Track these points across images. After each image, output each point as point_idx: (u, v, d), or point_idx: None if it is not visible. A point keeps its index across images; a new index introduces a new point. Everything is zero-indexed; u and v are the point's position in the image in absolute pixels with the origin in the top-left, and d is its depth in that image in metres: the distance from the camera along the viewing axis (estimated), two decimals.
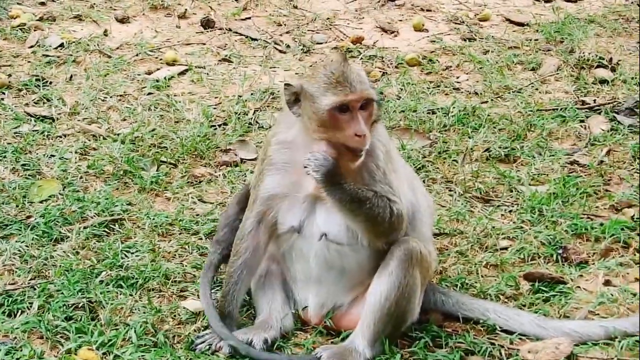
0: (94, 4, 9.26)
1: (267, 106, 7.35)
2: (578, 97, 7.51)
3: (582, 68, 8.01)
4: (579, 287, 5.18)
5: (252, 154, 6.56)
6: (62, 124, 6.96)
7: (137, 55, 8.21)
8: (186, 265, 5.30)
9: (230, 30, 8.85)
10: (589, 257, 5.44)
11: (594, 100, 7.43)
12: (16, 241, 5.46)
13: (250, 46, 8.57)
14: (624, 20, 9.23)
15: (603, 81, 7.77)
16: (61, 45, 8.27)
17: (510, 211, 5.93)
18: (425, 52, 8.47)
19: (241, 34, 8.78)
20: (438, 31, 9.00)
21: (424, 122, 7.02)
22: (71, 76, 7.72)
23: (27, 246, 5.41)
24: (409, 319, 4.69)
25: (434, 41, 8.74)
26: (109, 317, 4.78)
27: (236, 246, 4.76)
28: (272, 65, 8.17)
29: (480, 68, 8.09)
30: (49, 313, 4.79)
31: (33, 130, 6.80)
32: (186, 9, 9.18)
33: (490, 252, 5.50)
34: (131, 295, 5.00)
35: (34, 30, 8.52)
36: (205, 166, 6.44)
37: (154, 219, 5.72)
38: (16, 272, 5.21)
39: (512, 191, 6.15)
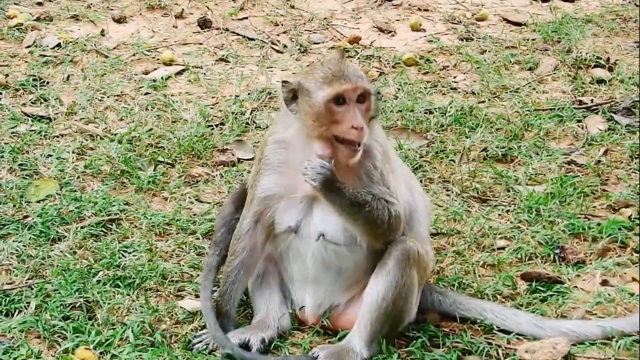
0: (91, 4, 9.26)
1: (264, 106, 7.35)
2: (575, 97, 7.51)
3: (580, 68, 8.01)
4: (576, 287, 5.17)
5: (249, 154, 6.56)
6: (59, 124, 6.95)
7: (134, 55, 8.21)
8: (183, 265, 5.29)
9: (227, 30, 8.85)
10: (587, 257, 5.43)
11: (592, 100, 7.43)
12: (13, 241, 5.46)
13: (248, 46, 8.57)
14: (622, 20, 9.24)
15: (600, 81, 7.77)
16: (58, 45, 8.27)
17: (508, 211, 5.93)
18: (423, 52, 8.47)
19: (238, 34, 8.77)
20: (435, 31, 9.00)
21: (421, 122, 7.02)
22: (68, 76, 7.71)
23: (24, 246, 5.40)
24: (406, 319, 4.68)
25: (431, 41, 8.74)
26: (107, 316, 4.78)
27: (233, 246, 4.75)
28: (269, 65, 8.17)
29: (478, 68, 8.09)
30: (46, 312, 4.78)
31: (30, 130, 6.80)
32: (183, 9, 9.17)
33: (487, 251, 5.49)
34: (128, 294, 5.00)
35: (31, 30, 8.52)
36: (202, 166, 6.44)
37: (151, 218, 5.72)
38: (13, 271, 5.20)
39: (509, 191, 6.15)
